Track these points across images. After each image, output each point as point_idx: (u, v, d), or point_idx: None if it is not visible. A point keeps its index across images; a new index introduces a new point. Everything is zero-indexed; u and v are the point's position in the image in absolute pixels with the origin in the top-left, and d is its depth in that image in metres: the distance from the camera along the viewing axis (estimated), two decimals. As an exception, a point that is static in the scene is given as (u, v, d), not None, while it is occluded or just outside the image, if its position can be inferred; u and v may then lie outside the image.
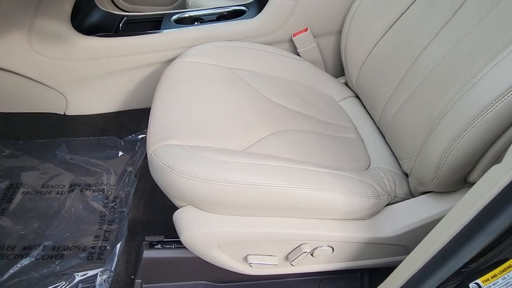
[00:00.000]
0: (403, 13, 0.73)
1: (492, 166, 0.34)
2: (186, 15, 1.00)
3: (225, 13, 1.00)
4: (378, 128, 0.76)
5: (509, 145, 0.43)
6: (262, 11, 0.89)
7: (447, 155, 0.49)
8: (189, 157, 0.51)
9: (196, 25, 0.93)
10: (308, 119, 0.73)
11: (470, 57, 0.52)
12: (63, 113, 0.98)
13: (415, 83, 0.63)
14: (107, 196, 0.87)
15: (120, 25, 0.98)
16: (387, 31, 0.75)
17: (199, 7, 1.15)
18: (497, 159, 0.49)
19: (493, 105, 0.44)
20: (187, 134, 0.56)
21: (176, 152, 0.52)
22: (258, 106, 0.69)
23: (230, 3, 1.13)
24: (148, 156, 0.54)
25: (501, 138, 0.47)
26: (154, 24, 0.99)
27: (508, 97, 0.43)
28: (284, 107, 0.73)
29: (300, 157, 0.59)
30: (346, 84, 0.90)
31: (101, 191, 0.88)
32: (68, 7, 0.81)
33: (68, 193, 0.87)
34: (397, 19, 0.73)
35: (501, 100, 0.43)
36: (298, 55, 0.92)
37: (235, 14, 0.98)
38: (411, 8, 0.71)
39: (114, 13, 1.01)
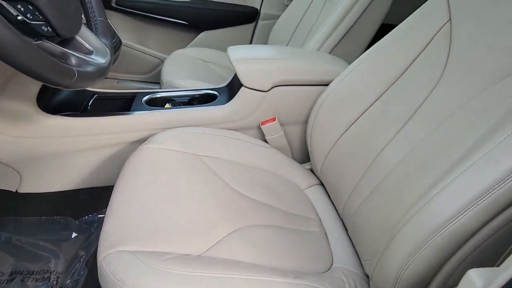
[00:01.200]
0: (363, 113, 0.78)
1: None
2: (158, 96, 1.02)
3: (197, 95, 1.03)
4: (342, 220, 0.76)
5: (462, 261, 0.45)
6: (233, 99, 0.93)
7: (405, 269, 0.49)
8: (141, 268, 0.47)
9: (166, 108, 0.95)
10: (272, 211, 0.72)
11: (421, 169, 0.55)
12: (15, 190, 0.92)
13: (375, 182, 0.66)
14: (51, 286, 0.79)
15: (90, 103, 0.97)
16: (349, 127, 0.80)
17: (172, 86, 1.19)
18: (454, 271, 0.50)
19: (449, 223, 0.45)
20: (144, 238, 0.53)
21: (128, 262, 0.48)
22: (221, 199, 0.68)
23: (203, 84, 1.18)
24: (98, 263, 0.50)
25: (456, 254, 0.48)
26: (124, 103, 0.99)
27: (461, 219, 0.44)
28: (248, 198, 0.73)
29: (260, 259, 0.58)
30: (312, 170, 0.92)
31: (45, 279, 0.80)
32: (35, 87, 0.80)
33: (6, 282, 0.78)
34: (358, 118, 0.78)
35: (456, 220, 0.45)
36: (266, 141, 0.94)
37: (206, 98, 1.02)
38: (370, 110, 0.76)
39: (83, 91, 1.02)
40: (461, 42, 0.64)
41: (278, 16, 1.65)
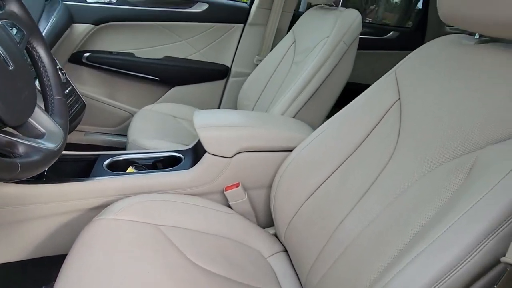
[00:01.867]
0: (324, 181, 0.79)
1: None
2: (121, 158, 1.00)
3: (162, 158, 1.02)
4: None
5: None
6: (196, 164, 0.92)
7: None
8: None
9: (127, 173, 0.93)
10: (232, 285, 0.69)
11: (376, 248, 0.55)
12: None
13: (337, 253, 0.65)
14: None
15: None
16: (311, 195, 0.80)
17: (138, 146, 1.17)
18: None
19: None
20: None
21: None
22: (178, 277, 0.65)
23: (170, 145, 1.18)
24: None
25: None
26: (85, 166, 0.97)
27: None
28: (208, 273, 0.70)
29: None
30: (276, 235, 0.91)
31: None
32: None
33: None
34: (319, 186, 0.80)
35: None
36: (230, 207, 0.93)
37: (171, 161, 1.01)
38: (330, 179, 0.78)
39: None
40: (409, 121, 0.67)
41: (248, 74, 1.72)
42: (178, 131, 1.39)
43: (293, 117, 1.16)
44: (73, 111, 0.91)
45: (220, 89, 1.75)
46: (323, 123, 0.87)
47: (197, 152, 0.99)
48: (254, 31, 1.64)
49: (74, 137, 1.64)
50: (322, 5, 1.30)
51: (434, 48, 0.73)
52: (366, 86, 0.84)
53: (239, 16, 1.62)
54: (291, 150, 0.92)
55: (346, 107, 0.84)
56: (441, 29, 1.89)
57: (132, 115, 1.68)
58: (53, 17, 1.23)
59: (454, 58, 0.66)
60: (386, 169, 0.68)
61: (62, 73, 0.90)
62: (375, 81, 0.81)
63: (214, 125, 0.91)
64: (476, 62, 0.61)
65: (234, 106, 1.76)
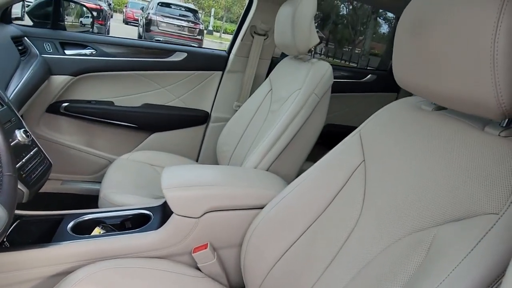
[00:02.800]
0: (293, 243, 0.77)
1: None
2: (86, 219, 0.97)
3: (130, 216, 1.00)
4: None
5: None
6: (164, 225, 0.90)
7: None
8: None
9: (91, 237, 0.90)
10: None
11: None
12: None
13: None
14: None
15: (11, 229, 0.91)
16: (281, 257, 0.78)
17: (109, 202, 1.15)
18: None
19: None
20: None
21: None
22: None
23: (141, 200, 1.15)
24: None
25: None
26: (50, 227, 0.93)
27: None
28: None
29: None
30: None
31: None
32: None
33: None
34: (289, 248, 0.77)
35: None
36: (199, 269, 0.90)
37: (140, 219, 0.98)
38: (299, 241, 0.75)
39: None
40: (373, 186, 0.67)
41: (228, 119, 1.73)
42: (154, 181, 1.37)
43: (267, 169, 1.15)
44: (37, 173, 0.89)
45: (200, 134, 1.75)
46: (298, 175, 0.86)
47: (165, 211, 0.96)
48: (232, 77, 1.67)
49: (50, 186, 1.61)
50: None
51: (395, 110, 0.73)
52: (349, 127, 0.84)
53: (218, 63, 1.66)
54: (261, 208, 0.91)
55: (316, 164, 0.83)
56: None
57: (110, 162, 1.66)
58: (30, 69, 1.24)
59: (413, 123, 0.67)
60: (352, 235, 0.66)
61: (27, 135, 0.89)
62: (358, 122, 0.81)
63: (180, 185, 0.90)
64: (432, 130, 0.62)
65: (214, 151, 1.75)
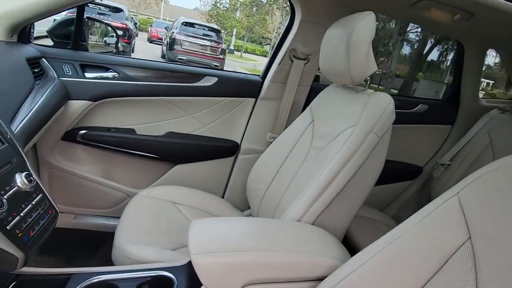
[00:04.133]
0: None
1: None
2: (96, 281, 0.79)
3: (148, 279, 0.81)
4: None
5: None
6: None
7: None
8: None
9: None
10: None
11: None
12: None
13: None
14: None
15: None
16: None
17: (124, 253, 0.97)
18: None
19: None
20: None
21: None
22: None
23: (161, 254, 0.97)
24: None
25: None
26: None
27: None
28: None
29: None
30: None
31: None
32: None
33: None
34: None
35: None
36: None
37: (160, 281, 0.79)
38: None
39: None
40: (487, 272, 0.50)
41: (261, 151, 1.54)
42: (177, 224, 1.19)
43: (313, 222, 0.95)
44: (39, 227, 0.72)
45: (228, 167, 1.57)
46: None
47: (191, 277, 0.77)
48: (267, 105, 1.49)
49: (62, 220, 1.45)
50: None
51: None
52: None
53: (251, 89, 1.49)
54: (315, 280, 0.70)
55: (399, 227, 0.63)
56: (475, 103, 1.71)
57: (128, 195, 1.50)
58: (44, 94, 1.10)
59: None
60: None
61: (30, 180, 0.73)
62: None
63: (211, 251, 0.71)
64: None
65: (243, 187, 1.56)
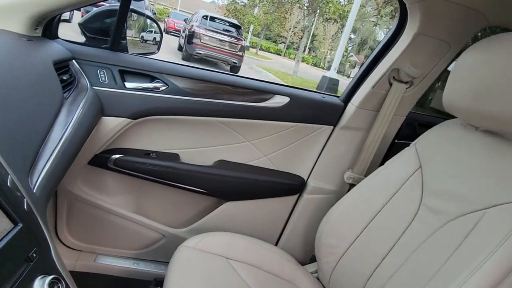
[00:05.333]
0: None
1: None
2: None
3: None
4: None
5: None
6: None
7: None
8: None
9: None
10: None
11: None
12: None
13: None
14: None
15: None
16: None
17: None
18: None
19: None
20: None
21: None
22: None
23: None
24: None
25: None
26: None
27: None
28: None
29: None
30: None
31: None
32: None
33: None
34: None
35: None
36: None
37: None
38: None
39: None
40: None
41: (332, 192, 1.23)
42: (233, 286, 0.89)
43: None
44: None
45: (289, 207, 1.26)
46: None
47: None
48: (348, 136, 1.18)
49: (81, 262, 1.15)
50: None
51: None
52: None
53: (329, 115, 1.17)
54: None
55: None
56: None
57: (164, 236, 1.20)
58: (76, 114, 0.80)
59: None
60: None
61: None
62: None
63: None
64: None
65: (305, 233, 1.25)
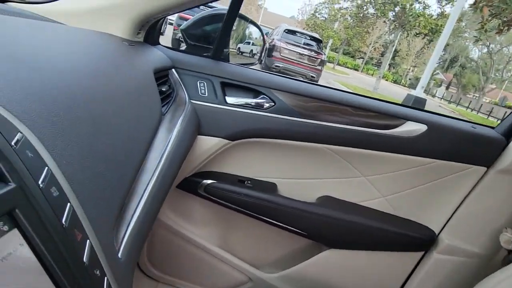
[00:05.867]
0: None
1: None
2: None
3: None
4: None
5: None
6: None
7: None
8: None
9: None
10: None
11: None
12: None
13: None
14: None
15: None
16: None
17: None
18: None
19: None
20: None
21: None
22: None
23: None
24: None
25: None
26: None
27: None
28: None
29: None
30: None
31: None
32: None
33: None
34: None
35: None
36: None
37: None
38: None
39: None
40: None
41: (478, 256, 0.91)
42: None
43: None
44: None
45: (410, 267, 0.98)
46: None
47: None
48: (508, 183, 0.86)
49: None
50: None
51: None
52: None
53: (482, 152, 0.88)
54: None
55: None
56: None
57: (250, 279, 1.01)
58: (174, 135, 0.66)
59: None
60: None
61: None
62: None
63: None
64: None
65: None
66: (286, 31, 9.20)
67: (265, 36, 1.24)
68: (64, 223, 0.27)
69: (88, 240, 0.30)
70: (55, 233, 0.26)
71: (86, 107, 0.39)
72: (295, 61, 8.97)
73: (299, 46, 9.08)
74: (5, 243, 0.23)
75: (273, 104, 0.88)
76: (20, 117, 0.28)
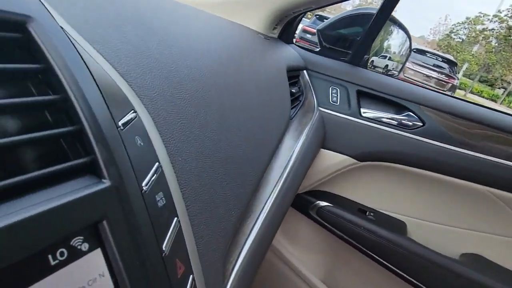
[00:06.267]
0: None
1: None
2: None
3: None
4: None
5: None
6: None
7: None
8: None
9: None
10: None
11: None
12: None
13: None
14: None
15: None
16: None
17: None
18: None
19: None
20: None
21: None
22: None
23: None
24: None
25: None
26: None
27: None
28: None
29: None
30: None
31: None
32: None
33: None
34: None
35: None
36: None
37: None
38: None
39: None
40: None
41: None
42: None
43: None
44: None
45: None
46: None
47: None
48: None
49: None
50: None
51: None
52: None
53: None
54: None
55: None
56: None
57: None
58: (303, 137, 0.56)
59: None
60: None
61: None
62: None
63: None
64: None
65: None
66: (415, 50, 8.43)
67: (412, 43, 1.06)
68: (164, 249, 0.18)
69: (191, 276, 0.21)
70: (150, 263, 0.17)
71: (215, 94, 0.31)
72: (420, 83, 8.14)
73: (427, 68, 8.21)
74: (81, 271, 0.15)
75: (422, 124, 0.70)
76: (137, 91, 0.20)
